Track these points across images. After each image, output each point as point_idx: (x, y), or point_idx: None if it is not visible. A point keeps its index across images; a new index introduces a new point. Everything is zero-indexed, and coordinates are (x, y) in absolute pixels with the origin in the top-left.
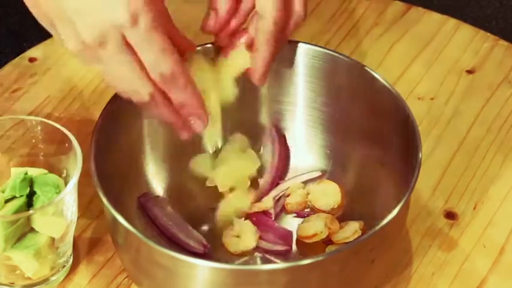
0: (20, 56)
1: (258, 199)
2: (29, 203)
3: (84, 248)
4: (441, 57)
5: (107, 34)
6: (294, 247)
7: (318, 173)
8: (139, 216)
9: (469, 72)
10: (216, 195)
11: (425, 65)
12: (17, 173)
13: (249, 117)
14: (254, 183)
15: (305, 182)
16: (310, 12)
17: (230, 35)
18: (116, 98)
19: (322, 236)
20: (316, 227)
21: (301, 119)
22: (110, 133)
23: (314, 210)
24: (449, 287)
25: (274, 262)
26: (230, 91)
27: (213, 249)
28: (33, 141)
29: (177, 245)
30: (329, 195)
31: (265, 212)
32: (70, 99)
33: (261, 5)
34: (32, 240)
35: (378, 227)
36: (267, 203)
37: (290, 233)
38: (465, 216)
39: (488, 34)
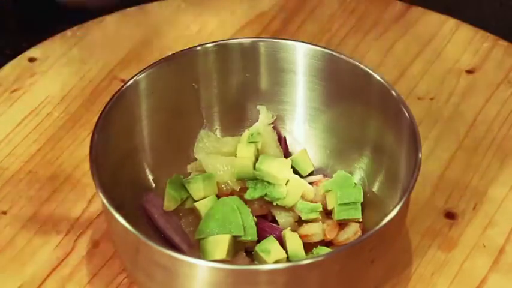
0: (19, 56)
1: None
2: None
3: (84, 248)
4: (441, 57)
5: None
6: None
7: (320, 177)
8: (139, 216)
9: (469, 72)
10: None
11: (425, 65)
12: None
13: (249, 115)
14: None
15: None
16: (310, 12)
17: None
18: (116, 98)
19: (314, 238)
20: (312, 229)
21: (301, 119)
22: (110, 133)
23: (326, 211)
24: (449, 287)
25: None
26: None
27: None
28: None
29: (176, 246)
30: None
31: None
32: (70, 99)
33: None
34: None
35: (377, 227)
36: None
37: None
38: (465, 216)
39: (488, 34)
